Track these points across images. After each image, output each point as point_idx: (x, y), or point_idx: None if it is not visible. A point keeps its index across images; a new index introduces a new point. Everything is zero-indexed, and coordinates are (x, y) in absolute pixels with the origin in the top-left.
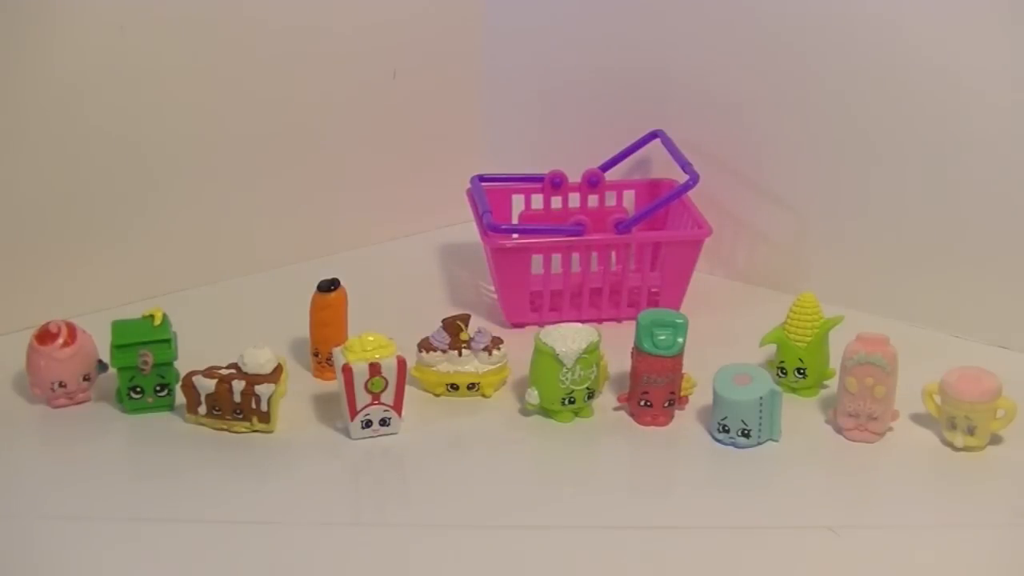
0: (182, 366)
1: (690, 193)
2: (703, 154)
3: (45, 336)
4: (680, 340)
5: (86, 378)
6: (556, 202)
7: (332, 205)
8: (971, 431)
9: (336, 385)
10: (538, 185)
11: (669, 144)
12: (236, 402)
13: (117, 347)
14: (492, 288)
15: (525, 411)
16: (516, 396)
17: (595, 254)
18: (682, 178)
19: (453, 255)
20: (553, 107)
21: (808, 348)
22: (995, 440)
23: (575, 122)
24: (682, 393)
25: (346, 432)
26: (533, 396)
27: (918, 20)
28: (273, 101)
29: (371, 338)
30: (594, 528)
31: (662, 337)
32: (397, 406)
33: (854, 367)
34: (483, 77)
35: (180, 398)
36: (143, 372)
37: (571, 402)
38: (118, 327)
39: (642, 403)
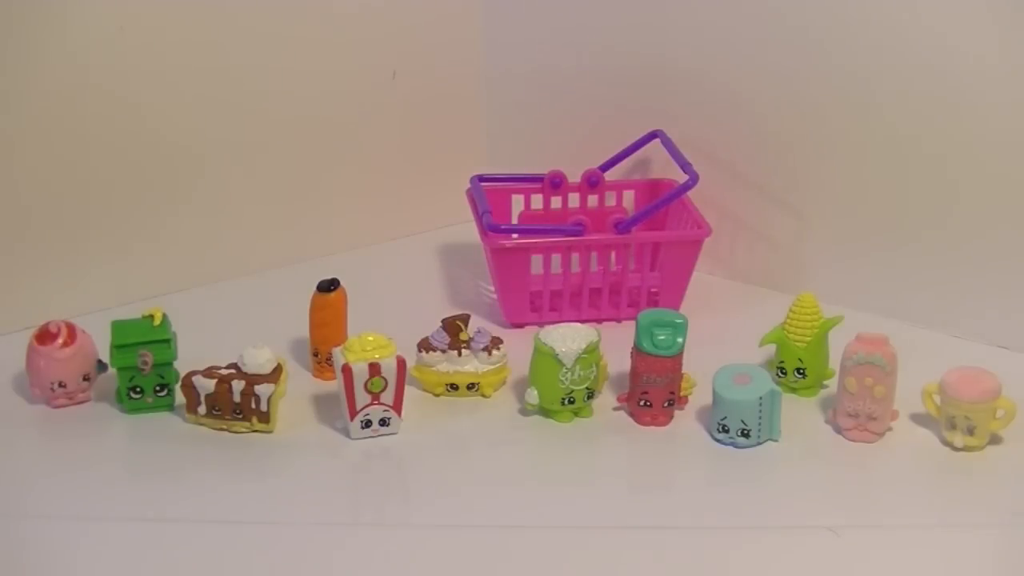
0: (182, 366)
1: (690, 193)
2: (703, 154)
3: (45, 336)
4: (680, 340)
5: (86, 378)
6: (556, 202)
7: (331, 205)
8: (971, 431)
9: (336, 385)
10: (538, 185)
11: (669, 144)
12: (236, 402)
13: (117, 347)
14: (492, 288)
15: (525, 411)
16: (516, 396)
17: (595, 254)
18: (682, 178)
19: (453, 255)
20: (553, 107)
21: (808, 348)
22: (995, 440)
23: (575, 122)
24: (682, 393)
25: (346, 432)
26: (533, 396)
27: (919, 20)
28: (273, 101)
29: (371, 338)
30: (594, 528)
31: (662, 337)
32: (397, 406)
33: (854, 367)
34: (483, 77)
35: (180, 398)
36: (143, 372)
37: (571, 402)
38: (118, 327)
39: (642, 403)
